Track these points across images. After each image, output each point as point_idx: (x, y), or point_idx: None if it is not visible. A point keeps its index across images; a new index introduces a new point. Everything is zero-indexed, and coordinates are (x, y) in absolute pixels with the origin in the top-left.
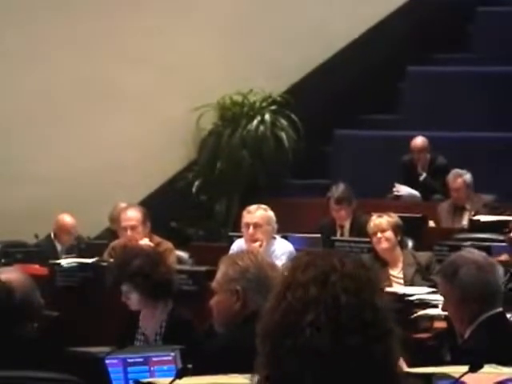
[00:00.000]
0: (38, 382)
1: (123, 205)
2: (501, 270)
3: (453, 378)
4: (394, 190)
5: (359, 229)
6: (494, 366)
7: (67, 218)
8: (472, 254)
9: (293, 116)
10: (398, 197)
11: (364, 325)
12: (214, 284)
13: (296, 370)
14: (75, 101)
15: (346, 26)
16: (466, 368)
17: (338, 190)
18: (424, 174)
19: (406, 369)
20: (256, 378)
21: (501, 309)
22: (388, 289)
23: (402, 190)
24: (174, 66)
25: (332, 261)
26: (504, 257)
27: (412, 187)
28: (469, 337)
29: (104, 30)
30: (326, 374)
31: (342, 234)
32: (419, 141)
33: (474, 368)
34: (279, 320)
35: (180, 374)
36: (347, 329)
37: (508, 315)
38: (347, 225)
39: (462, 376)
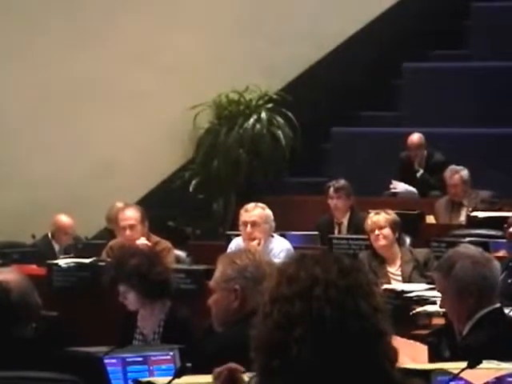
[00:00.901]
0: (36, 381)
1: (120, 204)
2: (498, 265)
3: (452, 374)
4: (391, 186)
5: (357, 226)
6: (492, 361)
7: (65, 218)
8: (468, 249)
9: (289, 114)
10: (395, 194)
11: (349, 335)
12: (212, 283)
13: None
14: (71, 101)
15: (341, 23)
16: (464, 364)
17: (339, 181)
18: (421, 171)
19: (410, 363)
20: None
21: (498, 304)
22: (386, 286)
23: (399, 186)
24: (170, 65)
25: (315, 272)
26: (502, 252)
27: (409, 184)
28: (467, 333)
29: (100, 31)
30: (312, 382)
31: (339, 231)
32: (416, 137)
33: (473, 364)
34: (267, 337)
35: (179, 373)
36: (332, 341)
37: (506, 310)
38: (345, 222)
39: (461, 372)
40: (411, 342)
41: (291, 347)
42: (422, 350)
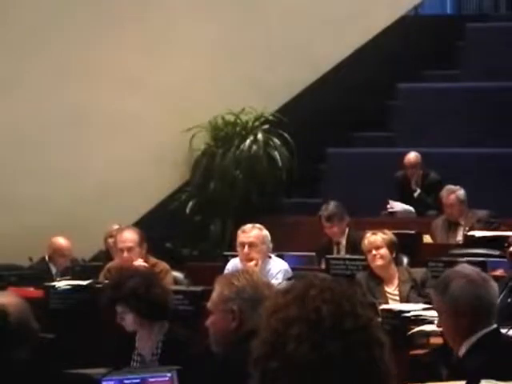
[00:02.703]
0: None
1: (116, 226)
2: (495, 285)
3: None
4: (389, 206)
5: (354, 245)
6: (491, 381)
7: (62, 241)
8: (465, 268)
9: (285, 135)
10: (393, 213)
11: (345, 332)
12: (209, 304)
13: None
14: (66, 125)
15: (335, 46)
16: (463, 383)
17: (328, 208)
18: (418, 190)
19: None
20: None
21: (495, 325)
22: (384, 306)
23: (396, 206)
24: (166, 87)
25: (310, 280)
26: (499, 271)
27: (406, 203)
28: (465, 354)
29: (94, 55)
30: (311, 381)
31: (338, 251)
32: (412, 156)
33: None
34: (264, 344)
35: None
36: (329, 337)
37: (504, 330)
38: (343, 241)
39: None
40: None
41: (288, 345)
42: None
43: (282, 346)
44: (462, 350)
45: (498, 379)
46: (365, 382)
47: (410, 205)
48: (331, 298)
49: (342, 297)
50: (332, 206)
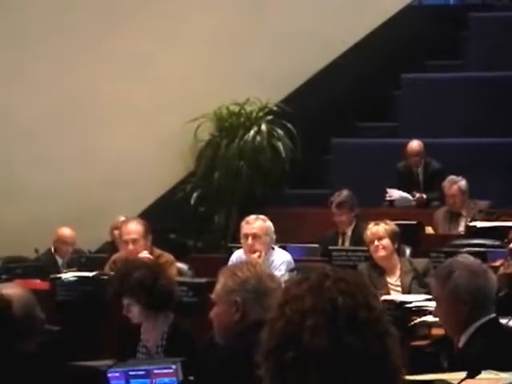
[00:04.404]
0: None
1: (122, 218)
2: (494, 276)
3: None
4: (387, 195)
5: (358, 237)
6: (491, 371)
7: (66, 230)
8: (466, 259)
9: (289, 126)
10: (392, 202)
11: (360, 324)
12: (213, 295)
13: (298, 377)
14: (73, 116)
15: (339, 35)
16: (463, 374)
17: (340, 195)
18: (422, 176)
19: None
20: None
21: (494, 314)
22: (386, 297)
23: (394, 194)
24: (171, 78)
25: (324, 270)
26: (500, 262)
27: (410, 192)
28: (465, 344)
29: (99, 46)
30: (326, 375)
31: (343, 242)
32: (415, 144)
33: (472, 374)
34: (279, 334)
35: None
36: (344, 329)
37: (504, 320)
38: (349, 232)
39: (460, 382)
40: None
41: (304, 336)
42: None
43: (297, 337)
44: (462, 341)
45: (497, 369)
46: (379, 373)
47: (412, 196)
48: (346, 289)
49: (356, 287)
50: (344, 193)
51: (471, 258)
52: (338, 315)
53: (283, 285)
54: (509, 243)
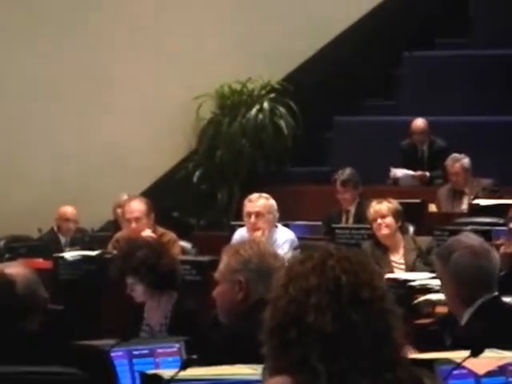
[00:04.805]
0: (43, 376)
1: (125, 196)
2: (497, 255)
3: (455, 363)
4: (391, 174)
5: (361, 215)
6: (494, 350)
7: (68, 208)
8: (468, 238)
9: (291, 104)
10: (396, 180)
11: (363, 302)
12: (216, 275)
13: (302, 355)
14: (73, 94)
15: (342, 13)
16: (467, 353)
17: (345, 172)
18: (426, 154)
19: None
20: (264, 369)
21: (496, 293)
22: (389, 275)
23: (398, 172)
24: (172, 56)
25: (327, 249)
26: (503, 240)
27: (414, 170)
28: (467, 322)
29: (102, 21)
30: (330, 352)
31: (346, 220)
32: (420, 122)
33: (475, 353)
34: (283, 312)
35: (185, 365)
36: (348, 307)
37: (508, 299)
38: (352, 210)
39: (464, 361)
40: None
41: (308, 314)
42: None
43: (301, 316)
44: (464, 319)
45: (500, 347)
46: (382, 351)
47: (419, 170)
48: (350, 268)
49: (359, 267)
50: (348, 171)
51: (473, 237)
52: (342, 294)
53: (286, 263)
54: (509, 222)
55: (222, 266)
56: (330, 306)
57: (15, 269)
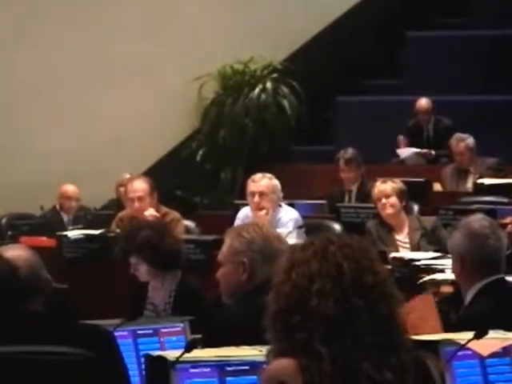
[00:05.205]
0: (48, 356)
1: (127, 175)
2: (502, 236)
3: (459, 344)
4: (399, 153)
5: (365, 194)
6: (498, 331)
7: (69, 186)
8: (472, 220)
9: (294, 84)
10: (403, 161)
11: (366, 287)
12: (219, 256)
13: (305, 338)
14: (76, 74)
15: None
16: (471, 334)
17: (348, 151)
18: (432, 133)
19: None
20: (269, 351)
21: (501, 275)
22: (394, 254)
23: (404, 152)
24: (174, 36)
25: (328, 236)
26: (509, 219)
27: (421, 149)
28: (470, 303)
29: (104, 5)
30: (332, 335)
31: (349, 199)
32: (424, 102)
33: (480, 334)
34: (286, 298)
35: (189, 347)
36: (351, 292)
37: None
38: (354, 189)
39: (468, 342)
40: (415, 299)
41: (311, 299)
42: (429, 302)
43: (304, 301)
44: (467, 299)
45: (503, 328)
46: (386, 335)
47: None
48: (351, 255)
49: (360, 253)
50: (351, 150)
51: (479, 218)
52: (344, 279)
53: (288, 249)
54: (507, 225)
55: (224, 248)
56: (333, 291)
57: (18, 251)
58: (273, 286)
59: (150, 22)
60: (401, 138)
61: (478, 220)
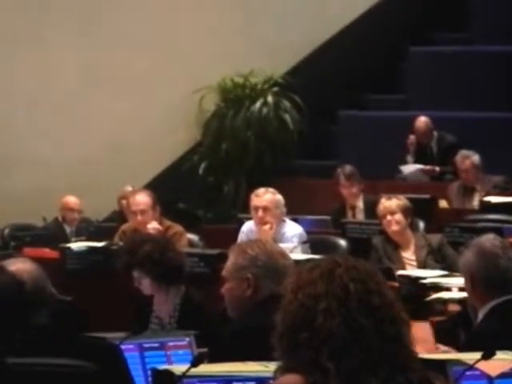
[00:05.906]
0: (52, 368)
1: (129, 188)
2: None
3: (467, 364)
4: (402, 168)
5: (371, 208)
6: (507, 352)
7: (70, 198)
8: (483, 239)
9: (296, 98)
10: (406, 177)
11: (373, 308)
12: (224, 272)
13: (312, 355)
14: (78, 87)
15: (346, 6)
16: (479, 354)
17: (346, 167)
18: (435, 150)
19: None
20: (277, 368)
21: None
22: (401, 271)
23: (407, 169)
24: (174, 48)
25: (335, 258)
26: None
27: (425, 165)
28: (481, 321)
29: (104, 15)
30: (339, 352)
31: (353, 215)
32: (421, 123)
33: (487, 355)
34: (292, 316)
35: (196, 362)
36: (357, 312)
37: None
38: (360, 205)
39: (476, 363)
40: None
41: (317, 318)
42: (426, 329)
43: (311, 319)
44: (479, 318)
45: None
46: (393, 355)
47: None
48: (357, 277)
49: (367, 276)
50: (349, 166)
51: (490, 238)
52: (350, 299)
53: (295, 270)
54: None
55: (229, 263)
56: (339, 310)
57: (22, 265)
58: (280, 307)
59: (150, 34)
60: (412, 137)
61: (489, 240)
